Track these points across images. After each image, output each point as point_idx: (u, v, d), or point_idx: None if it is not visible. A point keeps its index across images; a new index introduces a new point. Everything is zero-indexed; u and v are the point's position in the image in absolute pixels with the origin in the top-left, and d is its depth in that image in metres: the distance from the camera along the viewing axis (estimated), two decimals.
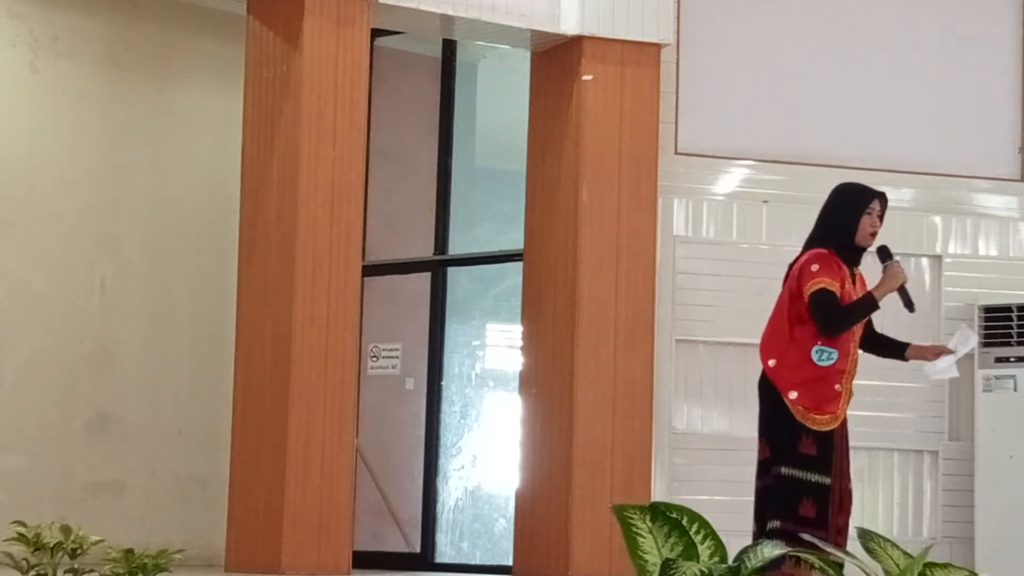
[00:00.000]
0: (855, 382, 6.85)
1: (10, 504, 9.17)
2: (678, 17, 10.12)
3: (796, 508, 6.56)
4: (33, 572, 5.59)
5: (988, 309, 10.11)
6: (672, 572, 3.18)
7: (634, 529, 3.30)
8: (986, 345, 10.06)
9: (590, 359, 9.66)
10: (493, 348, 11.37)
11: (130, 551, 5.61)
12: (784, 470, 6.64)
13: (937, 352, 6.99)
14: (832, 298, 6.66)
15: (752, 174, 10.26)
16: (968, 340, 7.08)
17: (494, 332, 11.40)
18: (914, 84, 10.56)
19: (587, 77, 9.86)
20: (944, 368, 6.94)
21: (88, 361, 10.26)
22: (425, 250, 11.35)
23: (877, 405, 10.06)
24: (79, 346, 10.23)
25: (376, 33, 10.30)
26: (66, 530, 5.65)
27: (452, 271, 11.33)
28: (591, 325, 9.68)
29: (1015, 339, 9.99)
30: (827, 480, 6.62)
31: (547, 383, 9.85)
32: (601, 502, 9.35)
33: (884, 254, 6.84)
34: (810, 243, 6.88)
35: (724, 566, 3.23)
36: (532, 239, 10.11)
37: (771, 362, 6.76)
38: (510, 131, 10.66)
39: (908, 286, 6.83)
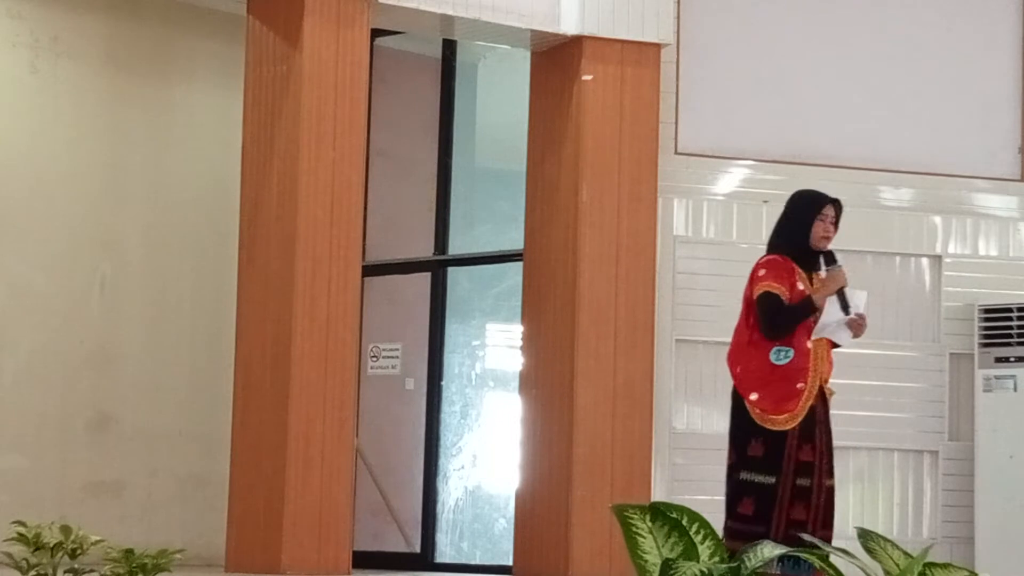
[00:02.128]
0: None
1: (10, 504, 9.17)
2: (678, 17, 10.12)
3: (736, 506, 6.86)
4: (33, 572, 5.58)
5: (988, 309, 10.10)
6: (672, 572, 3.18)
7: (634, 529, 3.30)
8: (986, 345, 10.06)
9: (590, 359, 9.66)
10: (493, 348, 11.37)
11: (130, 551, 5.61)
12: (743, 475, 6.94)
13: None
14: (776, 301, 6.94)
15: (752, 174, 10.26)
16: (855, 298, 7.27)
17: (494, 332, 11.40)
18: (914, 84, 10.55)
19: (587, 77, 9.85)
20: (835, 330, 7.10)
21: (88, 361, 10.26)
22: (425, 250, 11.34)
23: (877, 405, 10.07)
24: (79, 346, 10.23)
25: (376, 33, 10.29)
26: (66, 530, 5.65)
27: (452, 271, 11.32)
28: (591, 325, 9.68)
29: (1015, 339, 9.99)
30: (771, 480, 6.88)
31: (547, 383, 9.85)
32: (601, 502, 9.35)
33: (828, 258, 7.12)
34: (768, 249, 7.18)
35: (724, 566, 3.23)
36: (532, 239, 10.11)
37: (737, 369, 7.05)
38: (510, 131, 10.66)
39: (853, 289, 7.11)
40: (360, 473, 10.67)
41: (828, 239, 7.11)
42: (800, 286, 6.99)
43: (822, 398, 7.05)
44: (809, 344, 6.97)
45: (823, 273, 7.12)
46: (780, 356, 6.91)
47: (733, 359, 7.08)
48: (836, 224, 7.16)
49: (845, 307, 7.07)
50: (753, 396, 6.91)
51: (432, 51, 11.44)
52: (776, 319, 6.93)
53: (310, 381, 8.94)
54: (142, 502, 10.41)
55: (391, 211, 11.40)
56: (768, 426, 6.88)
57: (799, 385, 6.91)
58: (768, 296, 6.94)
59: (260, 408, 9.04)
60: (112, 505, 10.21)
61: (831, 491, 7.01)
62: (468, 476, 11.19)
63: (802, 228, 7.08)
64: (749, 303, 7.04)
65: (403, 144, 11.54)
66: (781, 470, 6.88)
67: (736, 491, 6.91)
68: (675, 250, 10.02)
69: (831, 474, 7.03)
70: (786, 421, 6.89)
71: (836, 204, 7.16)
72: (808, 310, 6.96)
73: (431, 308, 11.23)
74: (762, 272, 7.00)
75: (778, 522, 6.87)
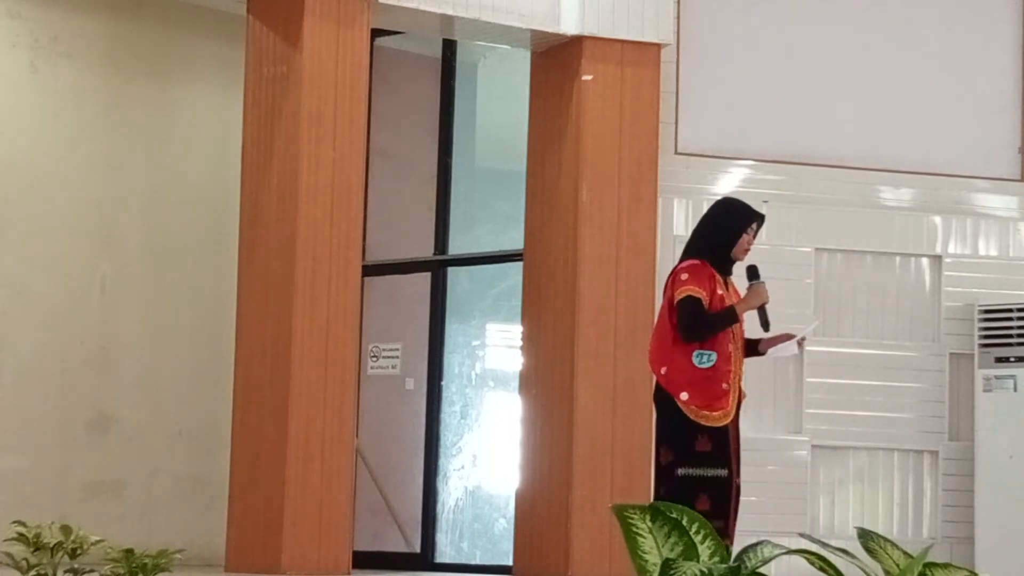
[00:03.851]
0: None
1: (10, 504, 9.17)
2: (678, 17, 10.12)
3: (693, 504, 6.79)
4: (33, 572, 5.59)
5: (988, 309, 10.10)
6: (672, 572, 3.17)
7: (634, 529, 3.30)
8: (986, 345, 10.06)
9: (590, 359, 9.66)
10: (493, 348, 11.37)
11: (130, 551, 5.61)
12: (681, 471, 6.99)
13: (786, 338, 7.31)
14: (697, 305, 7.05)
15: (752, 174, 10.26)
16: (808, 326, 7.68)
17: (494, 332, 11.40)
18: (914, 84, 10.56)
19: (587, 77, 9.85)
20: (784, 347, 7.30)
21: (88, 361, 10.26)
22: (425, 250, 11.34)
23: (877, 405, 10.07)
24: (79, 346, 10.23)
25: (376, 33, 10.30)
26: (66, 530, 5.65)
27: (452, 271, 11.33)
28: (591, 325, 9.68)
29: (1015, 339, 9.99)
30: (723, 472, 6.99)
31: (547, 383, 9.85)
32: (601, 502, 9.35)
33: (752, 273, 7.25)
34: (687, 251, 7.28)
35: (724, 566, 3.22)
36: (532, 239, 10.11)
37: (662, 370, 7.13)
38: (510, 131, 10.66)
39: (770, 306, 7.21)
40: (360, 473, 10.67)
41: (748, 251, 7.23)
42: (719, 291, 7.12)
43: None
44: (731, 348, 7.09)
45: (745, 288, 7.23)
46: (702, 360, 7.03)
47: (657, 359, 7.16)
48: (755, 237, 7.33)
49: (765, 324, 7.22)
50: (684, 396, 7.01)
51: (432, 51, 11.45)
52: (695, 323, 7.03)
53: (310, 381, 8.94)
54: (142, 502, 10.41)
55: (391, 211, 11.40)
56: (703, 422, 6.98)
57: (723, 386, 7.03)
58: (690, 300, 7.03)
59: (260, 408, 9.04)
60: (112, 505, 10.21)
61: (739, 489, 7.13)
62: (468, 476, 11.19)
63: (730, 238, 7.20)
64: (671, 305, 7.10)
65: (403, 144, 11.54)
66: (730, 463, 7.01)
67: (685, 488, 6.90)
68: (675, 250, 9.99)
69: (739, 473, 7.15)
70: (721, 418, 7.01)
71: (761, 220, 7.30)
72: (729, 320, 7.08)
73: (431, 308, 11.23)
74: (684, 276, 7.09)
75: (731, 515, 7.01)
